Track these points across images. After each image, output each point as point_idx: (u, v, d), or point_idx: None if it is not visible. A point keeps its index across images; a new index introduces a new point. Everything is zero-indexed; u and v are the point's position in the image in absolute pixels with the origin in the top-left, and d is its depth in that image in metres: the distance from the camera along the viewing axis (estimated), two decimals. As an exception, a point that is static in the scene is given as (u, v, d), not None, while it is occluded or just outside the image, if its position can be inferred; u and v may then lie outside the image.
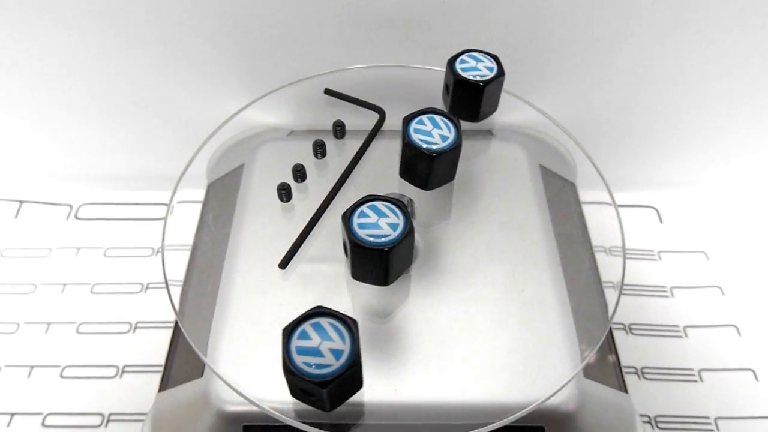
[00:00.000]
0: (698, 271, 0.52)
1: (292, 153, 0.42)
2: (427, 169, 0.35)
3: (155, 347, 0.47)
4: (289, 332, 0.27)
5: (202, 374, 0.35)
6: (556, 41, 0.48)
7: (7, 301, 0.50)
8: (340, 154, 0.42)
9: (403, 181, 0.37)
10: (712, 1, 0.45)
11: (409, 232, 0.30)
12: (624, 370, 0.40)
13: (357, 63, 0.47)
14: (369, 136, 0.42)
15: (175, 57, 0.49)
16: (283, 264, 0.36)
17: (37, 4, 0.46)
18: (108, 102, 0.52)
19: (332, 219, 0.38)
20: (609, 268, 0.40)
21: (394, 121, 0.43)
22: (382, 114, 0.44)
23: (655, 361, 0.46)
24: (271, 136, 0.46)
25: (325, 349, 0.27)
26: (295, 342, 0.27)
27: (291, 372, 0.26)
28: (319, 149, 0.41)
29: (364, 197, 0.32)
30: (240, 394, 0.31)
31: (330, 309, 0.28)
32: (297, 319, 0.27)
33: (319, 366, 0.26)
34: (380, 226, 0.31)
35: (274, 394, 0.31)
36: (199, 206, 0.44)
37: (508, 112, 0.46)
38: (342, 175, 0.40)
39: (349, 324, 0.27)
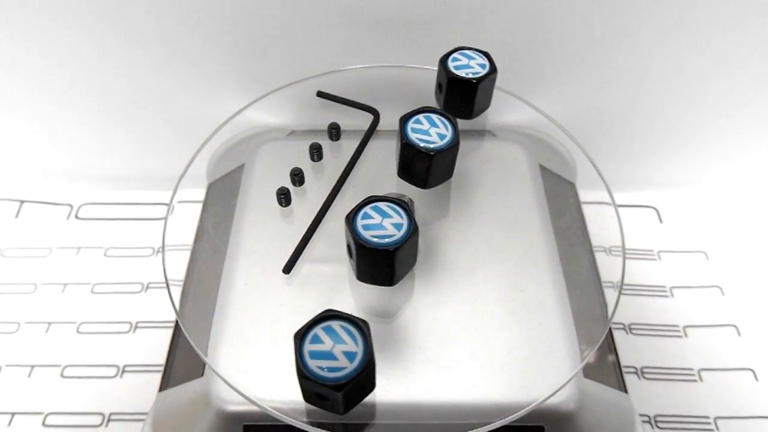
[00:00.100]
0: (698, 271, 0.52)
1: (292, 153, 0.42)
2: (426, 167, 0.35)
3: (156, 347, 0.47)
4: (300, 337, 0.27)
5: (202, 374, 0.35)
6: (556, 41, 0.48)
7: (7, 300, 0.50)
8: (336, 156, 0.42)
9: (401, 180, 0.37)
10: (712, 1, 0.46)
11: (413, 231, 0.31)
12: (624, 369, 0.40)
13: (358, 63, 0.47)
14: (364, 137, 0.42)
15: (175, 57, 0.49)
16: (287, 269, 0.36)
17: (37, 4, 0.46)
18: (108, 102, 0.52)
19: (331, 221, 0.38)
20: (609, 268, 0.40)
21: (387, 121, 0.43)
22: (376, 115, 0.44)
23: (655, 361, 0.46)
24: (272, 136, 0.46)
25: (338, 352, 0.27)
26: (308, 346, 0.27)
27: (306, 377, 0.26)
28: (316, 152, 0.41)
29: (366, 198, 0.32)
30: (240, 393, 0.31)
31: (340, 312, 0.28)
32: (308, 323, 0.27)
33: (332, 369, 0.26)
34: (384, 226, 0.31)
35: (275, 394, 0.31)
36: (200, 206, 0.44)
37: (508, 112, 0.46)
38: (340, 177, 0.40)
39: (360, 326, 0.27)
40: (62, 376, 0.46)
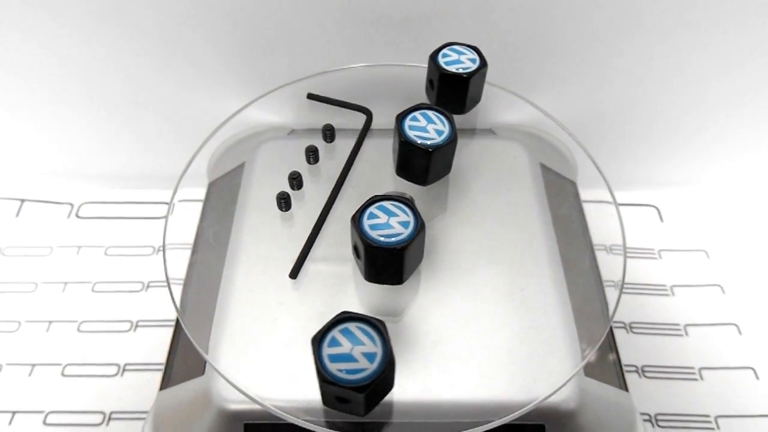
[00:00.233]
0: (699, 269, 0.52)
1: (292, 152, 0.42)
2: (425, 164, 0.35)
3: (156, 345, 0.47)
4: (318, 341, 0.27)
5: (203, 372, 0.35)
6: (557, 40, 0.48)
7: (8, 299, 0.50)
8: (331, 158, 0.42)
9: (398, 179, 0.37)
10: (712, 1, 0.46)
11: (420, 228, 0.30)
12: (624, 368, 0.40)
13: (360, 62, 0.47)
14: (359, 137, 0.42)
15: (176, 56, 0.49)
16: (294, 274, 0.35)
17: (37, 4, 0.46)
18: (109, 101, 0.52)
19: (330, 222, 0.38)
20: (610, 267, 0.40)
21: (379, 120, 0.43)
22: (369, 114, 0.44)
23: (656, 360, 0.46)
24: (272, 134, 0.46)
25: (357, 354, 0.26)
26: (327, 350, 0.26)
27: (327, 381, 0.26)
28: (312, 155, 0.41)
29: (371, 198, 0.32)
30: (241, 392, 0.31)
31: (356, 313, 0.27)
32: (324, 326, 0.27)
33: (353, 371, 0.26)
34: (391, 225, 0.30)
35: (276, 392, 0.31)
36: (200, 205, 0.44)
37: (508, 111, 0.46)
38: (339, 178, 0.40)
39: (377, 326, 0.27)
40: (63, 374, 0.46)
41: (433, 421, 0.32)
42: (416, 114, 0.35)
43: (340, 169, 0.40)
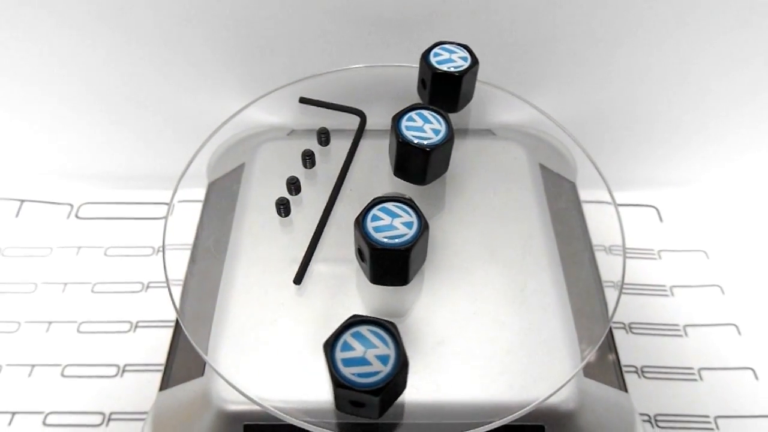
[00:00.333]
0: (698, 270, 0.52)
1: (292, 152, 0.42)
2: (424, 164, 0.35)
3: (156, 346, 0.47)
4: (330, 345, 0.27)
5: (202, 373, 0.35)
6: (557, 41, 0.48)
7: (7, 300, 0.50)
8: (326, 161, 0.42)
9: (395, 179, 0.37)
10: (712, 1, 0.46)
11: (424, 228, 0.31)
12: (624, 369, 0.40)
13: (359, 63, 0.47)
14: (354, 140, 0.42)
15: (176, 56, 0.49)
16: (298, 279, 0.35)
17: (37, 4, 0.46)
18: (108, 101, 0.52)
19: (329, 225, 0.38)
20: (609, 267, 0.40)
21: (372, 121, 0.43)
22: (362, 117, 0.44)
23: (655, 360, 0.46)
24: (272, 135, 0.46)
25: (371, 357, 0.26)
26: (339, 354, 0.26)
27: (342, 385, 0.26)
28: (308, 159, 0.41)
29: (373, 200, 0.32)
30: (241, 392, 0.31)
31: (366, 316, 0.27)
32: (336, 331, 0.27)
33: (367, 375, 0.26)
34: (395, 226, 0.30)
35: (275, 393, 0.31)
36: (200, 205, 0.44)
37: (508, 112, 0.46)
38: (337, 181, 0.40)
39: (389, 328, 0.27)
40: (62, 375, 0.46)
41: (432, 422, 0.32)
42: (412, 114, 0.35)
43: (337, 172, 0.40)
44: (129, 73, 0.50)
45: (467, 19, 0.47)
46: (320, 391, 0.31)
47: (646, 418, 0.44)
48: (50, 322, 0.48)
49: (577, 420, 0.33)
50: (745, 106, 0.52)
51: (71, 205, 0.56)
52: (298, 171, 0.41)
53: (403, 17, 0.47)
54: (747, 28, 0.47)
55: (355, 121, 0.44)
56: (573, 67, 0.50)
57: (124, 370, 0.46)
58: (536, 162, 0.43)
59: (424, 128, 0.35)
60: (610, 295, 0.37)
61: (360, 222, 0.31)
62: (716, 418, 0.44)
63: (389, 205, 0.31)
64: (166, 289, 0.35)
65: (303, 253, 0.36)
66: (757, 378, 0.46)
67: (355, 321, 0.27)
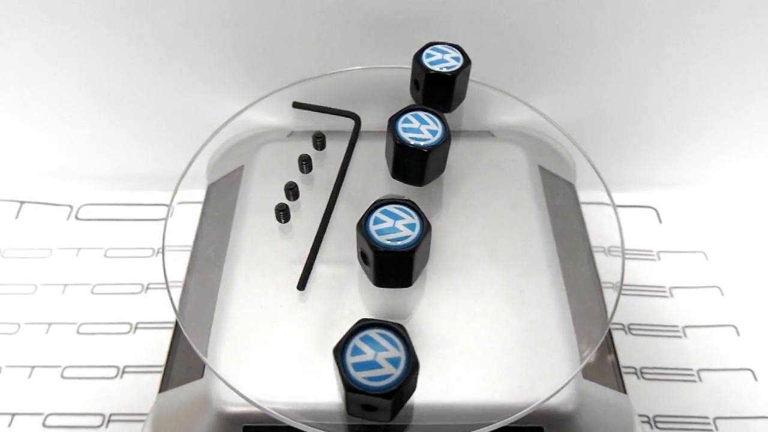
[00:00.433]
0: (697, 271, 0.52)
1: (292, 154, 0.42)
2: (422, 165, 0.35)
3: (156, 348, 0.47)
4: (341, 350, 0.27)
5: (202, 375, 0.35)
6: (557, 42, 0.48)
7: (7, 301, 0.50)
8: (322, 165, 0.42)
9: (392, 181, 0.37)
10: (713, 1, 0.46)
11: (427, 229, 0.31)
12: (623, 370, 0.40)
13: (359, 64, 0.47)
14: (350, 144, 0.42)
15: (176, 57, 0.49)
16: (301, 285, 0.35)
17: (37, 4, 0.46)
18: (108, 102, 0.52)
19: (329, 228, 0.38)
20: (608, 269, 0.40)
21: (366, 123, 0.43)
22: (357, 120, 0.44)
23: (654, 361, 0.46)
24: (272, 137, 0.46)
25: (381, 360, 0.26)
26: (350, 359, 0.26)
27: (354, 390, 0.26)
28: (305, 164, 0.41)
29: (375, 203, 0.32)
30: (240, 394, 0.31)
31: (375, 319, 0.27)
32: (345, 335, 0.27)
33: (378, 378, 0.26)
34: (398, 228, 0.31)
35: (275, 395, 0.31)
36: (200, 207, 0.44)
37: (507, 113, 0.46)
38: (335, 186, 0.40)
39: (398, 330, 0.27)
40: (62, 376, 0.46)
41: (431, 423, 0.32)
42: (408, 116, 0.35)
43: (334, 176, 0.40)
44: (129, 74, 0.50)
45: (466, 20, 0.47)
46: (320, 393, 0.31)
47: (645, 419, 0.44)
48: (50, 324, 0.48)
49: (576, 421, 0.33)
50: (744, 108, 0.52)
51: (71, 207, 0.56)
52: (298, 174, 0.41)
53: (403, 18, 0.47)
54: (748, 29, 0.47)
55: (351, 121, 0.44)
56: (572, 68, 0.50)
57: (123, 372, 0.46)
58: (535, 163, 0.43)
59: (421, 129, 0.35)
60: (609, 296, 0.37)
61: (362, 225, 0.31)
62: (715, 419, 0.44)
63: (391, 208, 0.31)
64: (166, 290, 0.35)
65: (302, 254, 0.36)
66: (756, 379, 0.46)
67: (364, 324, 0.27)
